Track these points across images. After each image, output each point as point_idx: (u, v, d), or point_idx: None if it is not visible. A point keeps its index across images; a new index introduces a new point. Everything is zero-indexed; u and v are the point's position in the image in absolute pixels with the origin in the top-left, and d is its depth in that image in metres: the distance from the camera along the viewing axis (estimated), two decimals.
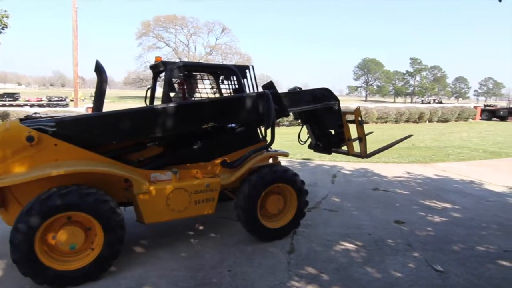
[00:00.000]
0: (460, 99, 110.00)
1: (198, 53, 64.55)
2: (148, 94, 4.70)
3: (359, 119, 4.93)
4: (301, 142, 5.48)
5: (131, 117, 3.57)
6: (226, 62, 59.67)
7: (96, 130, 3.44)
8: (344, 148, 5.21)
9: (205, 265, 3.60)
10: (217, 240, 4.24)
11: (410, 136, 5.97)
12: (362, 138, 5.00)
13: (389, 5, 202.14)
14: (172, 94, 4.14)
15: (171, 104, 3.70)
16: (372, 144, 5.05)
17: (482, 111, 28.47)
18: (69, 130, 3.32)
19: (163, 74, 4.22)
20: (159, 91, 4.49)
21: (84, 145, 3.36)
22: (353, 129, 4.96)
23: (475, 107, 28.55)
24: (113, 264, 3.35)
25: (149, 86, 4.78)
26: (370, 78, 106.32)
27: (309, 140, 5.56)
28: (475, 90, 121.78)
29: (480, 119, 27.55)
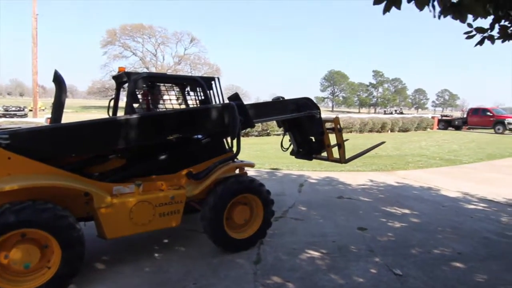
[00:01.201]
0: (420, 109, 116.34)
1: (166, 63, 63.81)
2: (111, 105, 4.61)
3: (338, 127, 5.21)
4: (284, 149, 5.72)
5: (91, 129, 3.47)
6: (195, 73, 59.31)
7: (54, 143, 3.31)
8: (324, 154, 5.48)
9: (169, 279, 3.52)
10: (183, 253, 4.17)
11: (383, 142, 6.53)
12: (341, 144, 5.27)
13: (353, 21, 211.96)
14: (136, 105, 4.08)
15: (134, 115, 3.64)
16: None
17: (439, 121, 30.13)
18: (24, 142, 3.16)
19: (127, 84, 4.15)
20: (124, 101, 4.42)
21: (41, 158, 3.21)
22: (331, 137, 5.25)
23: (433, 117, 30.21)
24: (72, 282, 3.20)
25: (113, 96, 4.68)
26: (336, 90, 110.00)
27: (291, 147, 5.78)
28: (433, 101, 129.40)
29: (438, 129, 29.16)
